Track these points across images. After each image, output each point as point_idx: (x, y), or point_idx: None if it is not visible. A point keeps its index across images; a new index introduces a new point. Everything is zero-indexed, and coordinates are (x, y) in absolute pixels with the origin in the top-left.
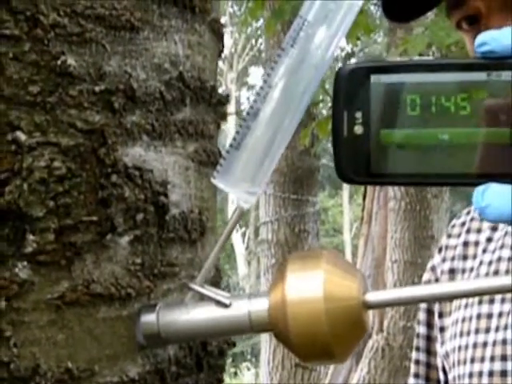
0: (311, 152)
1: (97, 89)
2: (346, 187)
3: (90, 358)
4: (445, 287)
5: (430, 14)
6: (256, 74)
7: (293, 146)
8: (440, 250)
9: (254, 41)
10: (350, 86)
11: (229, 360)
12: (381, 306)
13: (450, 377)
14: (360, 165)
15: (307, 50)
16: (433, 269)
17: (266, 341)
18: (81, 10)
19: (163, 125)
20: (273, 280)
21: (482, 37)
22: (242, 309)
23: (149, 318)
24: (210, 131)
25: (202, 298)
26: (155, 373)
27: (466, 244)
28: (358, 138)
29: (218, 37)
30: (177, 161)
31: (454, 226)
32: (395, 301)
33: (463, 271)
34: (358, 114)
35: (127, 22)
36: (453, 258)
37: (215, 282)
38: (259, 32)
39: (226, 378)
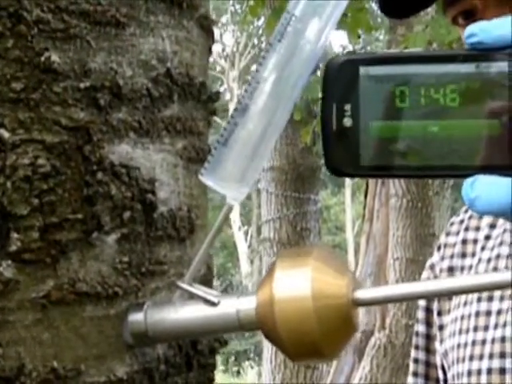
0: (313, 150)
1: (82, 85)
2: (348, 185)
3: (76, 358)
4: (436, 284)
5: (431, 11)
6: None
7: (294, 143)
8: (439, 248)
9: (255, 39)
10: (338, 78)
11: (231, 359)
12: (370, 303)
13: (449, 375)
14: (349, 157)
15: (295, 45)
16: (432, 267)
17: None
18: (65, 6)
19: (150, 122)
20: (262, 278)
21: (471, 28)
22: (230, 307)
23: (136, 317)
24: (199, 128)
25: (191, 296)
26: (143, 372)
27: (464, 242)
28: (348, 131)
29: (208, 33)
30: (165, 158)
31: (452, 224)
32: (385, 298)
33: (462, 269)
34: (347, 107)
35: (112, 18)
36: (451, 256)
37: (206, 280)
38: (261, 30)
39: (229, 377)
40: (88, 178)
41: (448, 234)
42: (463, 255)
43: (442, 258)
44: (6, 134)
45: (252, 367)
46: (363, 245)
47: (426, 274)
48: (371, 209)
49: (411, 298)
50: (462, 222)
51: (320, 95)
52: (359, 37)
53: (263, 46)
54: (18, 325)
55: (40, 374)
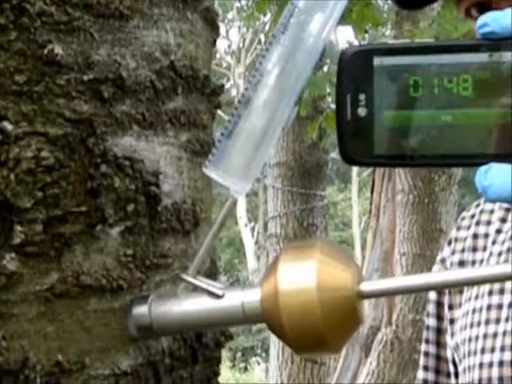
0: (319, 146)
1: (85, 78)
2: (354, 181)
3: (80, 351)
4: (440, 276)
5: (437, 7)
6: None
7: (300, 139)
8: (450, 243)
9: (261, 35)
10: (352, 68)
11: (239, 354)
12: (375, 295)
13: (460, 369)
14: (364, 146)
15: (299, 37)
16: (443, 261)
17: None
18: None
19: (154, 114)
20: (266, 271)
21: (484, 18)
22: (234, 300)
23: (141, 310)
24: (203, 121)
25: (196, 289)
26: (148, 365)
27: (475, 236)
28: (362, 120)
29: (212, 25)
30: (169, 151)
31: (463, 219)
32: (390, 291)
33: (473, 263)
34: (362, 97)
35: (116, 10)
36: (462, 250)
37: (211, 273)
38: (267, 26)
39: (236, 373)
40: (92, 170)
41: (459, 229)
42: (474, 249)
43: (453, 252)
44: (10, 127)
45: (259, 363)
46: (370, 240)
47: (436, 267)
48: (378, 204)
49: (415, 290)
50: (473, 216)
51: (327, 91)
52: (366, 32)
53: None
54: (21, 318)
55: (44, 367)
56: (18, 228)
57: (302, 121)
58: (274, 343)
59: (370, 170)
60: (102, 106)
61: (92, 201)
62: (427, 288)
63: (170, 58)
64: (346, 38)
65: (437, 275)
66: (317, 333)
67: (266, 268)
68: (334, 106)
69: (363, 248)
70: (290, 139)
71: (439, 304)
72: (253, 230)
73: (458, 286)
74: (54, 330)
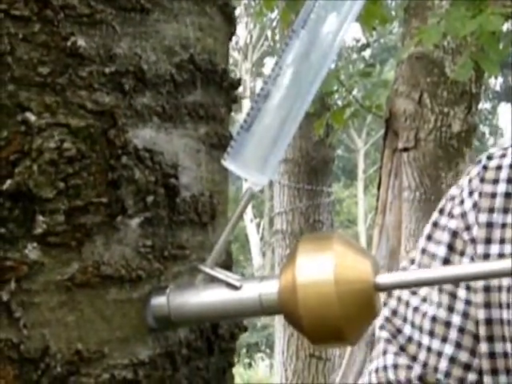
0: (326, 142)
1: (107, 70)
2: (360, 178)
3: (100, 340)
4: (457, 269)
5: (445, 5)
6: (271, 65)
7: (307, 136)
8: (471, 194)
9: (269, 31)
10: None
11: (243, 351)
12: (392, 288)
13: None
14: None
15: (318, 32)
16: (463, 215)
17: (280, 331)
18: None
19: (174, 107)
20: (284, 262)
21: None
22: (252, 291)
23: (159, 301)
24: (221, 114)
25: (213, 280)
26: (166, 356)
27: (508, 195)
28: None
29: (230, 20)
30: (187, 143)
31: (486, 169)
32: (407, 283)
33: (503, 226)
34: None
35: (137, 4)
36: (491, 210)
37: (226, 265)
38: (274, 22)
39: (241, 369)
40: (112, 161)
41: (483, 181)
42: (505, 210)
43: (479, 210)
44: (33, 118)
45: (263, 359)
46: (376, 237)
47: (454, 222)
48: (384, 201)
49: (432, 283)
50: (499, 168)
51: (334, 87)
52: (374, 29)
53: (277, 38)
54: (43, 307)
55: (64, 356)
56: (40, 218)
57: (309, 117)
58: (279, 339)
59: (377, 166)
60: (122, 98)
61: (113, 192)
62: (444, 281)
63: (189, 51)
64: (352, 34)
65: (454, 268)
66: (334, 325)
67: (272, 266)
68: (340, 102)
69: (369, 245)
70: (296, 135)
71: (455, 235)
72: (258, 225)
73: (478, 279)
74: (74, 319)
